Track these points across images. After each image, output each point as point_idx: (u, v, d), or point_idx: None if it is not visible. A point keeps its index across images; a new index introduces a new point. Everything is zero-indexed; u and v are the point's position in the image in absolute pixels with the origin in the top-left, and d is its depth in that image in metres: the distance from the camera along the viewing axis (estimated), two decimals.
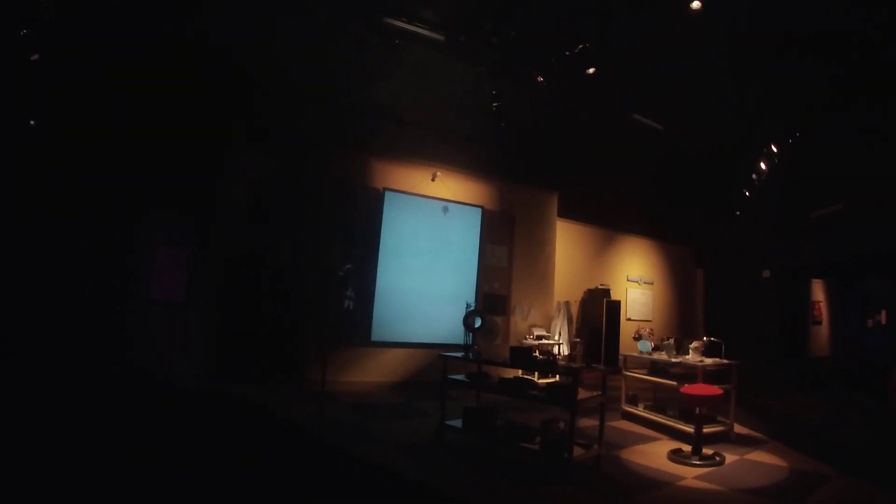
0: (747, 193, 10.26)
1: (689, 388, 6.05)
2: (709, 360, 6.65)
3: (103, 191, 8.14)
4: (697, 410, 5.99)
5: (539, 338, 9.55)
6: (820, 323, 11.41)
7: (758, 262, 11.17)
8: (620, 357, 7.66)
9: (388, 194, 8.99)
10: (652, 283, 12.16)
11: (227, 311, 8.25)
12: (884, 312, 10.05)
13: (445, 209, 9.39)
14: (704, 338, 6.88)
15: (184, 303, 8.37)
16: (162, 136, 8.42)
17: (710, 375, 6.58)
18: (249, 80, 8.47)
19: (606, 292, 10.94)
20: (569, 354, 9.50)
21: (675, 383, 6.85)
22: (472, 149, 9.58)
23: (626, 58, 8.45)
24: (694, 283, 12.82)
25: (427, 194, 9.32)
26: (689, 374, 6.84)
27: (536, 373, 7.65)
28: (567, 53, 7.60)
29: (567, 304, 9.94)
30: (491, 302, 9.54)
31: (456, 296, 9.35)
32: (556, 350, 9.36)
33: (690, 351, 6.90)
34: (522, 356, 5.91)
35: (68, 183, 7.96)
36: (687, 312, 12.64)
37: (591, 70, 7.76)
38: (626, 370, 7.46)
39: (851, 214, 9.47)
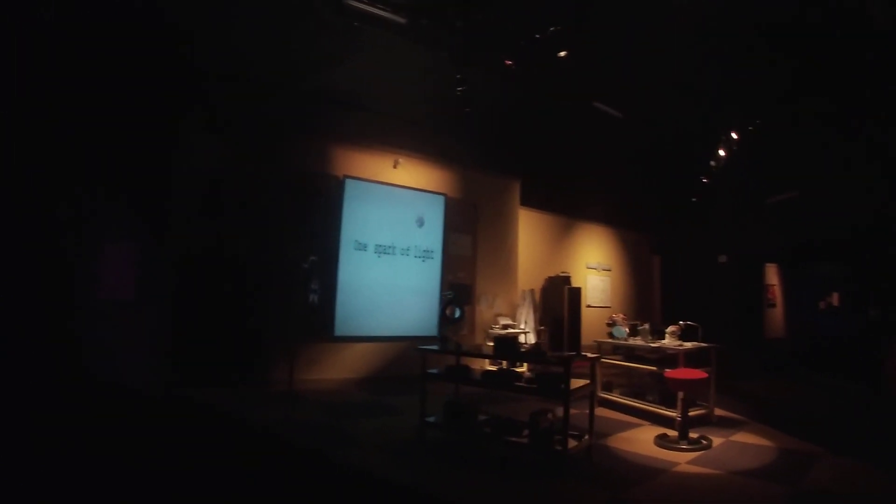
0: (705, 180, 10.37)
1: (673, 373, 5.87)
2: (688, 344, 6.51)
3: (43, 182, 7.23)
4: (682, 394, 5.88)
5: (505, 327, 9.26)
6: (774, 306, 11.75)
7: (713, 248, 11.36)
8: (594, 344, 7.46)
9: (348, 182, 8.42)
10: (610, 270, 12.14)
11: (184, 310, 7.46)
12: (836, 295, 10.43)
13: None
14: (681, 322, 6.77)
15: (135, 302, 7.53)
16: (108, 122, 7.57)
17: (687, 359, 6.48)
18: (203, 63, 7.70)
19: (567, 280, 10.79)
20: (535, 343, 9.27)
21: (655, 368, 6.74)
22: (434, 135, 9.15)
23: (588, 44, 8.28)
24: (651, 269, 12.93)
25: (389, 182, 8.81)
26: (666, 358, 6.74)
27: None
28: (537, 36, 7.30)
29: (532, 292, 9.70)
30: (456, 291, 9.14)
31: (420, 286, 8.92)
32: (522, 339, 9.09)
33: (667, 335, 6.77)
34: (508, 347, 5.54)
35: (2, 173, 7.02)
36: (644, 298, 12.72)
37: (563, 53, 7.49)
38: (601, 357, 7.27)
39: (805, 201, 9.74)
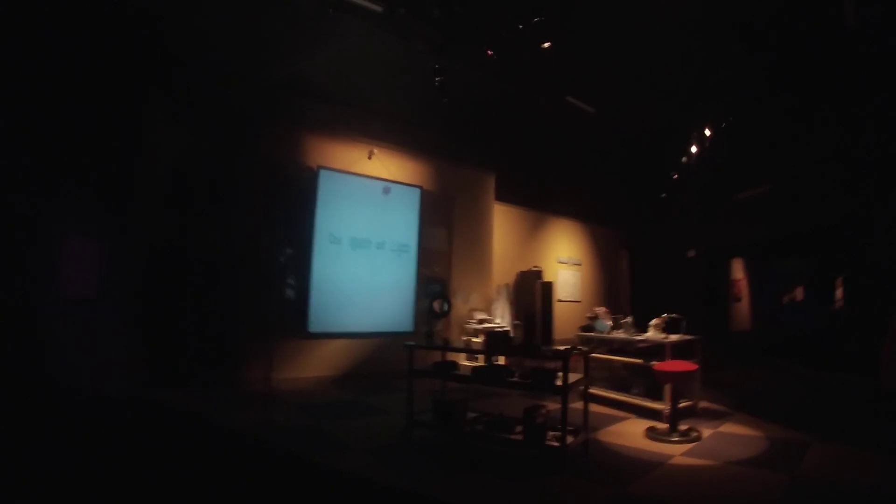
0: (675, 176, 10.48)
1: (662, 365, 5.81)
2: (674, 337, 6.48)
3: None
4: (671, 387, 5.81)
5: (481, 322, 9.07)
6: (740, 300, 12.00)
7: (681, 243, 11.52)
8: (569, 338, 7.38)
9: (322, 173, 8.02)
10: (580, 265, 12.15)
11: (150, 308, 6.94)
12: (799, 289, 10.72)
13: (387, 190, 8.60)
14: (665, 314, 6.75)
15: (98, 300, 6.94)
16: (66, 108, 6.95)
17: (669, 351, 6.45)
18: (168, 47, 7.17)
19: (539, 274, 10.71)
20: (512, 338, 9.13)
21: (641, 361, 6.68)
22: (409, 126, 8.85)
23: (565, 37, 8.18)
24: (619, 263, 13.03)
25: (364, 173, 8.46)
26: (651, 351, 6.70)
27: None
28: (520, 27, 7.12)
29: (507, 286, 9.56)
30: (431, 286, 8.90)
31: (396, 281, 8.62)
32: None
33: (651, 328, 6.73)
34: (500, 342, 5.33)
35: None
36: (613, 292, 12.80)
37: (546, 44, 7.33)
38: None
39: (772, 197, 9.94)
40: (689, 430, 5.59)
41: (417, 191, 8.95)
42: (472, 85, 8.99)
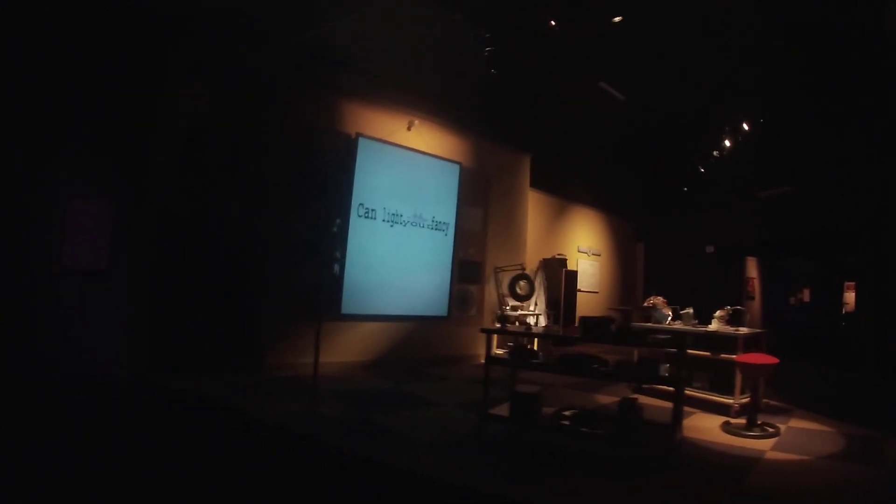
0: (702, 170, 10.26)
1: (745, 358, 5.50)
2: (744, 329, 6.19)
3: None
4: (754, 380, 5.51)
5: (515, 308, 8.65)
6: (753, 298, 11.95)
7: (697, 238, 11.36)
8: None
9: (361, 141, 7.41)
10: (599, 255, 11.87)
11: (164, 282, 6.18)
12: (806, 291, 10.72)
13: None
14: (728, 307, 6.46)
15: (107, 272, 6.17)
16: (75, 57, 6.16)
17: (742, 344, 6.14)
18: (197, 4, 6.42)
19: (563, 262, 10.34)
20: (546, 325, 8.77)
21: (708, 354, 6.35)
22: (450, 100, 8.30)
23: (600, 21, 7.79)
24: (634, 256, 12.82)
25: (402, 144, 7.88)
26: (715, 343, 6.37)
27: None
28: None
29: (541, 272, 9.16)
30: (466, 269, 8.39)
31: (431, 261, 8.07)
32: (533, 321, 8.53)
33: (715, 320, 6.43)
34: (598, 328, 4.86)
35: None
36: (628, 285, 12.60)
37: (618, 18, 6.89)
38: None
39: (790, 197, 9.85)
40: (764, 424, 5.32)
41: (457, 167, 8.38)
42: (509, 61, 8.52)
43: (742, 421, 5.37)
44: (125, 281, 6.11)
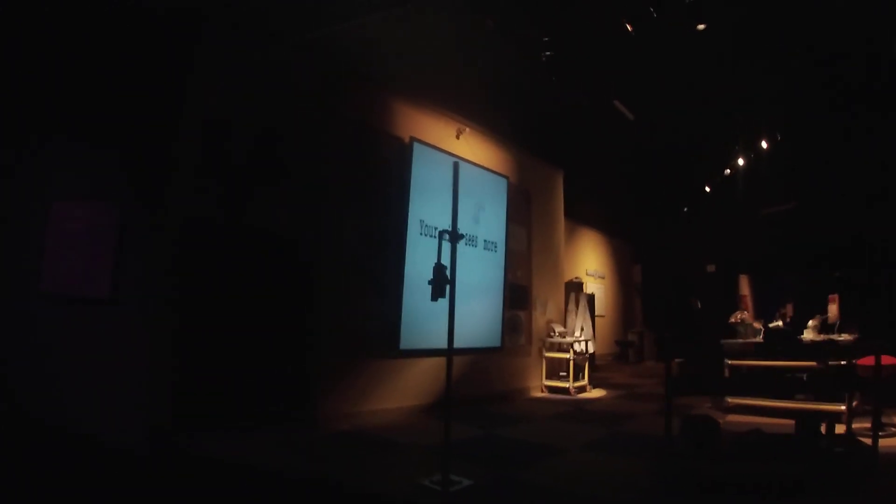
0: (707, 189, 10.09)
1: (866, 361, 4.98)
2: (850, 337, 5.72)
3: None
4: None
5: (562, 335, 7.69)
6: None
7: (693, 258, 11.20)
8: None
9: (416, 146, 6.18)
10: (604, 278, 11.28)
11: (191, 313, 4.54)
12: (789, 306, 10.79)
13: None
14: (818, 316, 6.01)
15: (110, 300, 4.39)
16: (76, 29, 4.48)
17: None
18: None
19: (580, 286, 9.58)
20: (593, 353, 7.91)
21: (815, 364, 5.74)
22: (495, 107, 7.31)
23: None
24: (632, 277, 12.38)
25: (452, 152, 6.74)
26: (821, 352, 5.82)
27: None
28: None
29: (585, 295, 8.29)
30: (515, 294, 7.30)
31: (486, 286, 6.89)
32: (581, 347, 7.61)
33: (808, 330, 5.91)
34: (787, 341, 4.09)
35: None
36: (628, 306, 12.11)
37: (702, 26, 6.35)
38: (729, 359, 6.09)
39: (786, 216, 9.94)
40: (887, 424, 4.82)
41: (504, 182, 7.32)
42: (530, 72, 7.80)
43: (866, 424, 4.85)
44: (137, 312, 4.39)
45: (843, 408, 5.04)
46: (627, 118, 9.47)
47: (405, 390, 5.81)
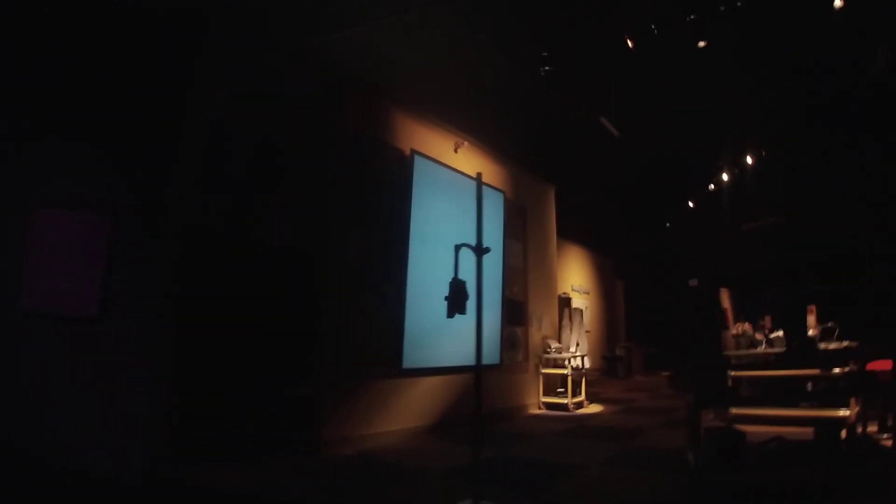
0: (691, 204, 10.27)
1: (878, 365, 5.00)
2: (847, 343, 5.80)
3: None
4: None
5: (558, 350, 7.59)
6: (727, 328, 12.11)
7: (676, 272, 11.35)
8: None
9: (417, 159, 6.03)
10: (588, 293, 11.28)
11: (187, 334, 4.25)
12: (768, 318, 11.04)
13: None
14: (818, 325, 6.09)
15: (99, 319, 4.04)
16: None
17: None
18: None
19: (568, 301, 9.59)
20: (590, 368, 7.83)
21: (818, 371, 5.77)
22: (492, 121, 7.24)
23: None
24: (615, 292, 12.42)
25: (451, 165, 6.61)
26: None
27: None
28: (691, 17, 6.16)
29: (578, 310, 8.23)
30: (512, 309, 7.18)
31: (484, 302, 6.76)
32: (578, 363, 7.52)
33: None
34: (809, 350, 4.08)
35: None
36: (612, 321, 12.11)
37: (703, 43, 6.46)
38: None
39: (764, 231, 10.20)
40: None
41: (501, 196, 7.26)
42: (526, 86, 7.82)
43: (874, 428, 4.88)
44: (129, 331, 4.06)
45: (849, 413, 5.09)
46: (613, 135, 9.64)
47: (407, 411, 5.58)
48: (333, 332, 4.95)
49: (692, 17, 6.42)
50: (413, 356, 5.62)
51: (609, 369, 10.66)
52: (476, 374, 3.65)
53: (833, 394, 4.22)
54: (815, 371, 5.57)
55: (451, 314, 4.06)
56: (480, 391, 3.64)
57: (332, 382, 4.87)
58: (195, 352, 4.33)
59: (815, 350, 4.45)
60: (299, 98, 5.26)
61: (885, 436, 4.61)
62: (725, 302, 11.99)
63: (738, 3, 6.31)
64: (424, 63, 6.24)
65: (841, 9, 5.59)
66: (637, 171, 10.54)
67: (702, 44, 6.38)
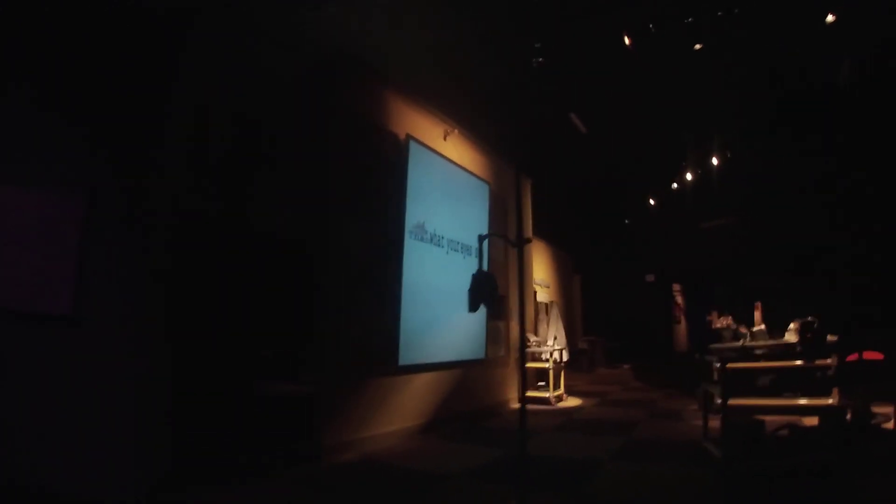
0: (652, 202, 10.59)
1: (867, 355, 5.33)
2: (832, 337, 6.11)
3: None
4: None
5: (538, 344, 7.54)
6: (679, 322, 12.60)
7: (633, 268, 11.69)
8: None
9: (412, 146, 5.71)
10: (549, 287, 11.34)
11: (180, 336, 3.74)
12: (714, 313, 11.63)
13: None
14: (798, 320, 6.38)
15: (78, 317, 3.45)
16: None
17: None
18: None
19: (534, 294, 9.61)
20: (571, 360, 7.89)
21: (802, 362, 6.03)
22: (479, 109, 7.02)
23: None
24: (573, 286, 12.56)
25: (443, 153, 6.34)
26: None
27: None
28: (689, 20, 6.24)
29: (554, 304, 8.20)
30: (495, 304, 7.03)
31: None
32: (558, 356, 7.51)
33: (789, 332, 6.24)
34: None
35: None
36: (570, 316, 12.24)
37: (698, 46, 6.56)
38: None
39: (722, 228, 10.72)
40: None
41: (487, 188, 7.07)
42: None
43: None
44: (110, 331, 3.52)
45: (832, 402, 5.36)
46: (580, 132, 9.73)
47: (403, 411, 5.30)
48: (333, 331, 4.58)
49: (662, 21, 6.59)
50: (409, 353, 5.34)
51: (572, 362, 10.82)
52: (520, 369, 3.45)
53: (847, 381, 4.41)
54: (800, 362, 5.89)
55: (473, 308, 3.83)
56: (524, 386, 3.45)
57: (332, 383, 4.51)
58: (188, 355, 3.85)
59: (823, 342, 4.66)
60: (291, 78, 4.86)
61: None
62: (678, 297, 12.58)
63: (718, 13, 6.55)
64: (414, 48, 5.96)
65: (832, 23, 5.83)
66: (598, 168, 10.78)
67: (698, 46, 6.53)
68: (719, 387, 4.18)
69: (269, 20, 4.63)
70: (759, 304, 8.14)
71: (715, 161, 9.31)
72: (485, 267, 4.12)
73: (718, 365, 5.57)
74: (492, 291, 3.87)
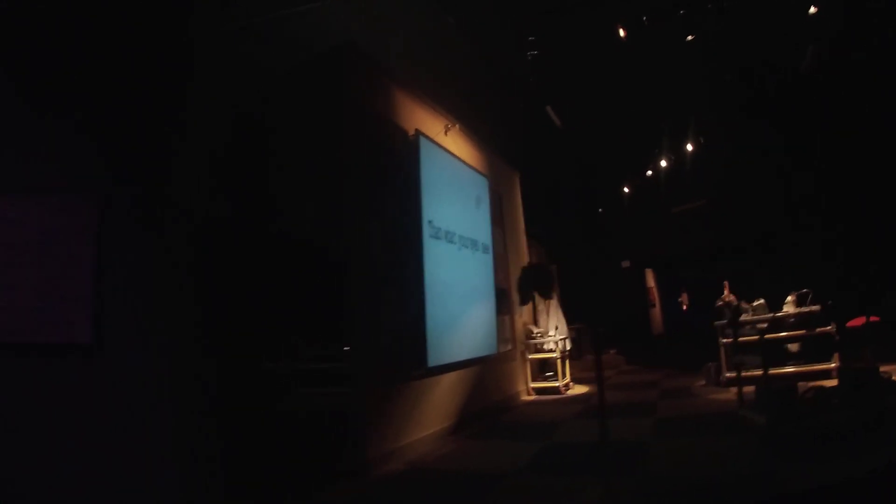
0: (627, 190, 10.86)
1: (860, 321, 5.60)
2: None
3: None
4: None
5: (541, 335, 7.55)
6: (654, 306, 12.95)
7: (605, 256, 11.94)
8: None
9: (423, 141, 5.53)
10: None
11: (212, 356, 3.48)
12: (685, 295, 12.15)
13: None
14: (794, 292, 6.67)
15: (94, 348, 3.13)
16: None
17: None
18: None
19: None
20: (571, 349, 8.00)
21: (804, 332, 6.09)
22: (477, 103, 6.93)
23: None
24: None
25: (448, 148, 6.20)
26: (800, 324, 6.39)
27: None
28: (681, 12, 6.39)
29: (556, 296, 8.23)
30: (500, 298, 6.95)
31: (484, 290, 6.51)
32: (559, 346, 7.54)
33: (787, 304, 6.50)
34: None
35: None
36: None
37: (690, 37, 6.72)
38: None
39: (691, 214, 11.13)
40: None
41: (486, 182, 6.96)
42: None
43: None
44: (134, 359, 3.23)
45: (834, 366, 5.66)
46: (556, 124, 9.84)
47: (434, 413, 5.16)
48: (363, 337, 4.39)
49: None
50: (435, 353, 5.20)
51: None
52: (596, 362, 3.43)
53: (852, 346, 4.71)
54: (802, 332, 6.18)
55: (524, 301, 3.80)
56: (601, 381, 3.43)
57: (368, 392, 4.33)
58: (224, 374, 3.60)
59: (835, 312, 4.94)
60: (301, 75, 4.67)
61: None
62: (650, 281, 13.00)
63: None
64: (419, 39, 5.85)
65: (815, 14, 6.11)
66: (571, 157, 10.96)
67: (690, 38, 6.71)
68: (758, 357, 4.33)
69: (278, 23, 4.44)
70: (726, 283, 8.58)
71: (689, 147, 9.65)
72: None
73: (747, 338, 5.78)
74: (548, 283, 3.81)
